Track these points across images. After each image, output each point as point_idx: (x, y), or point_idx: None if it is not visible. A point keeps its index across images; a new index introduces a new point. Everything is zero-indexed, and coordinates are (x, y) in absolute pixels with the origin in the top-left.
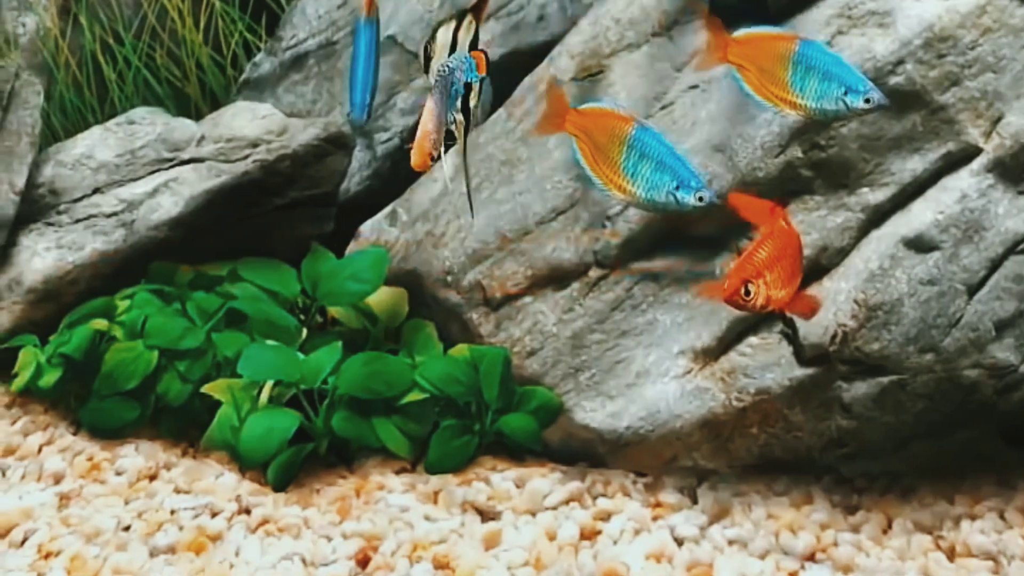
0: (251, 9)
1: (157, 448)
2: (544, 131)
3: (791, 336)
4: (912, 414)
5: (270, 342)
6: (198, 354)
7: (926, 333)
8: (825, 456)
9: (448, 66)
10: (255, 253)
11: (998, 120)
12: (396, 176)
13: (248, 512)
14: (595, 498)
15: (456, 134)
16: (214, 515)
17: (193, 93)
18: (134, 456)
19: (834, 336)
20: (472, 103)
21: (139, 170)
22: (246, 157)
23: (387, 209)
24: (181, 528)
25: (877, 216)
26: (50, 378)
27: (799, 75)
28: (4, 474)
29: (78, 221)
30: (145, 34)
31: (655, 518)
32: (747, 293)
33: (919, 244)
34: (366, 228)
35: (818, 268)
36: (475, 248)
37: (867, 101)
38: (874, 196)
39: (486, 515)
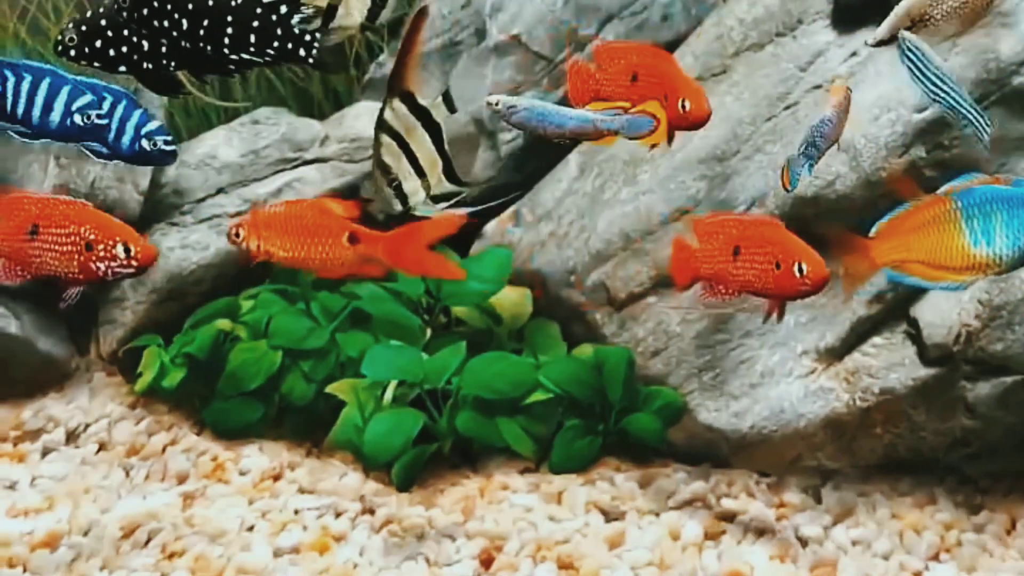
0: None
1: (281, 448)
2: (855, 288)
3: (915, 336)
4: None
5: (394, 342)
6: (322, 354)
7: None
8: (949, 456)
9: None
10: None
11: None
12: (520, 176)
13: (372, 512)
14: (719, 498)
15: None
16: (338, 515)
17: (316, 93)
18: (258, 456)
19: (958, 336)
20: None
21: (263, 170)
22: (370, 157)
23: (511, 209)
24: (305, 528)
25: None
26: (174, 378)
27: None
28: (128, 474)
29: (202, 221)
30: None
31: (779, 518)
32: (237, 235)
33: None
34: (490, 228)
35: None
36: (599, 248)
37: None
38: None
39: (610, 515)
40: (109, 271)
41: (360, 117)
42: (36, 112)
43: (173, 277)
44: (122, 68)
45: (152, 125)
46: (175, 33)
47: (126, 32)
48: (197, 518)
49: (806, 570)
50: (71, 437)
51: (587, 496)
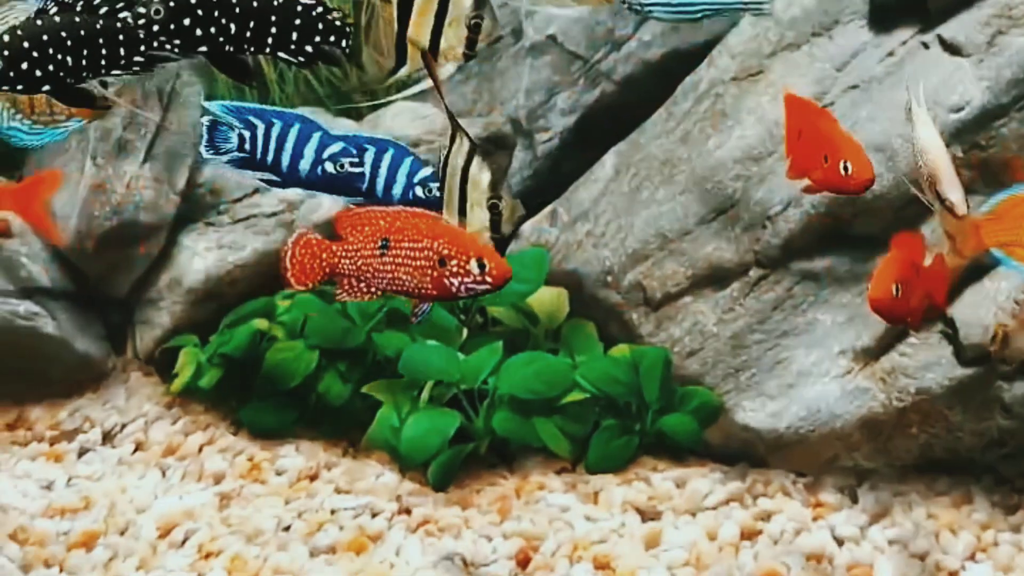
0: None
1: (317, 448)
2: (963, 257)
3: (951, 336)
4: None
5: (431, 342)
6: (358, 354)
7: None
8: (985, 456)
9: None
10: None
11: None
12: (556, 176)
13: (408, 512)
14: (755, 498)
15: None
16: (374, 515)
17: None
18: (294, 456)
19: (994, 336)
20: None
21: None
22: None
23: (547, 209)
24: (341, 528)
25: None
26: (210, 378)
27: None
28: (165, 474)
29: (238, 221)
30: None
31: (815, 518)
32: None
33: None
34: (526, 228)
35: (979, 268)
36: (635, 248)
37: None
38: None
39: (646, 515)
40: (463, 287)
41: (397, 117)
42: (285, 160)
43: (209, 277)
44: (45, 87)
45: (425, 172)
46: (221, 39)
47: (50, 50)
48: (233, 518)
49: (843, 570)
50: (107, 437)
51: (623, 496)
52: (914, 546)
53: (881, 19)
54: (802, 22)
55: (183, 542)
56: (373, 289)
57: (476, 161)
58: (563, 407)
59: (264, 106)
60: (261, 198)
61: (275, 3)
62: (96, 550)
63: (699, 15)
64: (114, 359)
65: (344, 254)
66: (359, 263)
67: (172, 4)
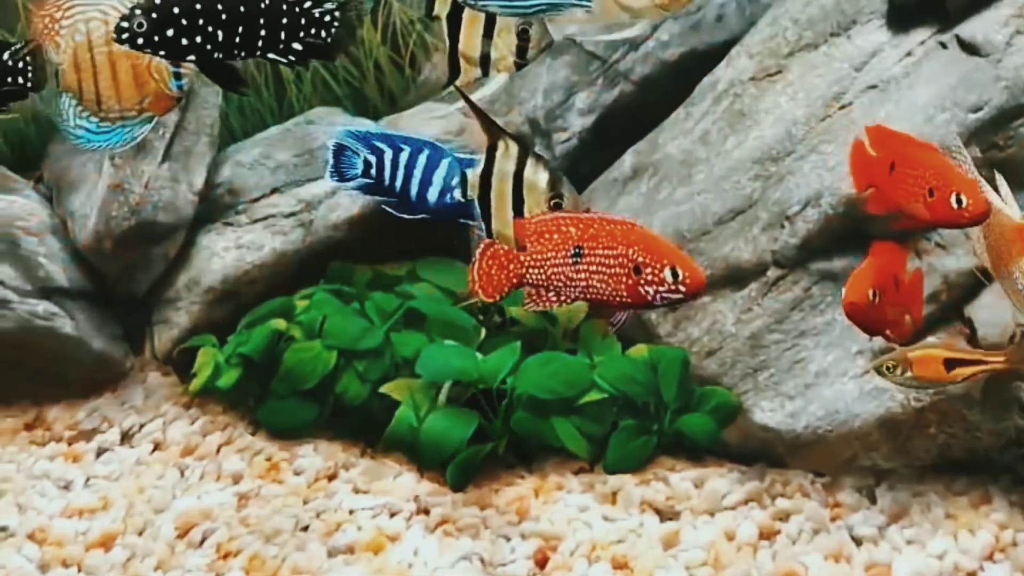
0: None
1: (336, 448)
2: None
3: (970, 336)
4: None
5: (449, 342)
6: (376, 354)
7: None
8: (1004, 456)
9: None
10: (434, 253)
11: None
12: (575, 176)
13: (427, 512)
14: (774, 498)
15: None
16: (393, 515)
17: (371, 93)
18: (312, 456)
19: (1012, 336)
20: None
21: (318, 170)
22: None
23: None
24: (360, 528)
25: None
26: (229, 378)
27: None
28: (183, 474)
29: (256, 221)
30: None
31: (833, 518)
32: None
33: None
34: None
35: None
36: None
37: None
38: None
39: (664, 515)
40: (657, 296)
41: (416, 115)
42: (414, 188)
43: (227, 277)
44: None
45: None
46: (209, 47)
47: None
48: (252, 518)
49: (860, 570)
50: (126, 437)
51: (642, 496)
52: (932, 546)
53: (899, 19)
54: (820, 22)
55: (201, 542)
56: (563, 298)
57: (530, 163)
58: (581, 407)
59: (391, 131)
60: (279, 198)
61: (261, 5)
62: (114, 550)
63: (532, 10)
64: (132, 359)
65: (532, 263)
66: (549, 272)
67: (155, 16)
